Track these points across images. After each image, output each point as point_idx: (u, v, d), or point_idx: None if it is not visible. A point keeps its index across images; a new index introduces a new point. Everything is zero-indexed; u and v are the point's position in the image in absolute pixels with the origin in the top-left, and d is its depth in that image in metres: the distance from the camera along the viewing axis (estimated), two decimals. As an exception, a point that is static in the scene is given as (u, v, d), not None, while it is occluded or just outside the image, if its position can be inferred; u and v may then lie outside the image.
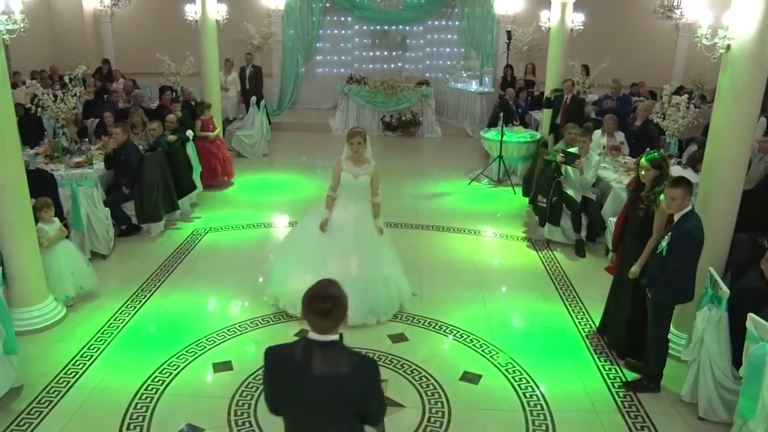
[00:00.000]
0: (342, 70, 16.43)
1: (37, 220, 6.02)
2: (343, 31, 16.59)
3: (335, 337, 2.74)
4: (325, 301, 2.67)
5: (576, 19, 11.54)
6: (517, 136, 10.92)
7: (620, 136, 9.46)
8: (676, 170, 7.48)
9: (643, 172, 5.34)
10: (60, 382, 5.10)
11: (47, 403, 4.84)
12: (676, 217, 4.77)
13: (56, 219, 6.36)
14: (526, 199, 9.31)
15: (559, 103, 10.84)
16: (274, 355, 2.85)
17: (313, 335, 2.73)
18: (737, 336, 4.53)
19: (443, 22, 16.53)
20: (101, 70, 14.82)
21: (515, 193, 10.24)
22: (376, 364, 2.90)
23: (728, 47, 5.02)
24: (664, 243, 4.77)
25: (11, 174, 5.55)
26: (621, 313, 5.58)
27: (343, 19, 16.44)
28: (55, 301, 6.06)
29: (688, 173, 7.33)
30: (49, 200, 6.28)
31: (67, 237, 6.48)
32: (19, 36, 5.28)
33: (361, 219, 6.09)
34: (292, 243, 6.58)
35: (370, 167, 6.05)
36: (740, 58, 4.99)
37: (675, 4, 14.58)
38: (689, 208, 4.75)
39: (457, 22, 16.32)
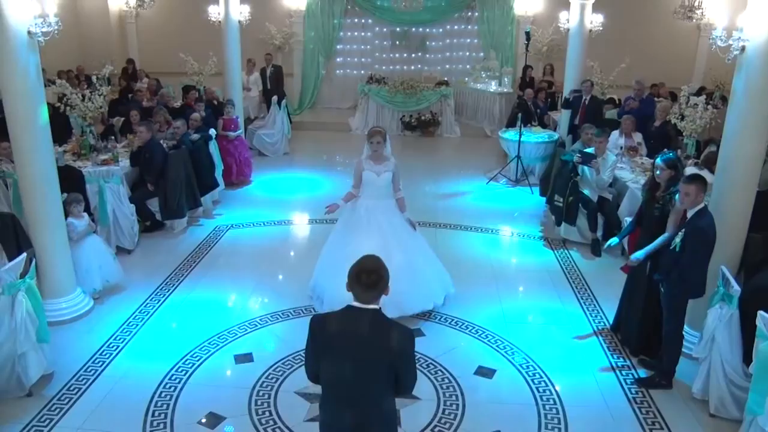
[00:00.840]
0: (362, 70, 16.57)
1: (67, 215, 6.23)
2: (363, 33, 16.71)
3: (376, 306, 3.01)
4: (371, 275, 2.97)
5: (595, 20, 11.58)
6: (535, 137, 10.98)
7: (638, 137, 9.48)
8: (691, 171, 7.50)
9: (657, 172, 5.41)
10: (88, 370, 5.31)
11: (76, 390, 5.04)
12: (689, 214, 4.86)
13: (85, 214, 6.57)
14: (544, 199, 9.37)
15: (578, 103, 10.88)
16: (318, 322, 3.13)
17: (357, 304, 3.00)
18: (749, 334, 4.59)
19: (463, 24, 16.59)
20: (126, 69, 15.09)
21: (533, 192, 10.31)
22: (413, 335, 3.10)
23: (743, 49, 5.07)
24: (677, 239, 4.86)
25: (43, 170, 5.77)
26: (634, 311, 5.65)
27: (363, 20, 16.56)
28: (82, 294, 6.27)
29: (705, 174, 7.35)
30: (79, 196, 6.50)
31: (94, 232, 6.68)
32: (47, 39, 5.49)
33: (391, 214, 6.24)
34: (335, 261, 5.87)
35: (390, 164, 6.18)
36: (755, 60, 5.04)
37: (696, 4, 14.51)
38: (702, 205, 4.84)
39: (476, 25, 16.37)
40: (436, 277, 6.39)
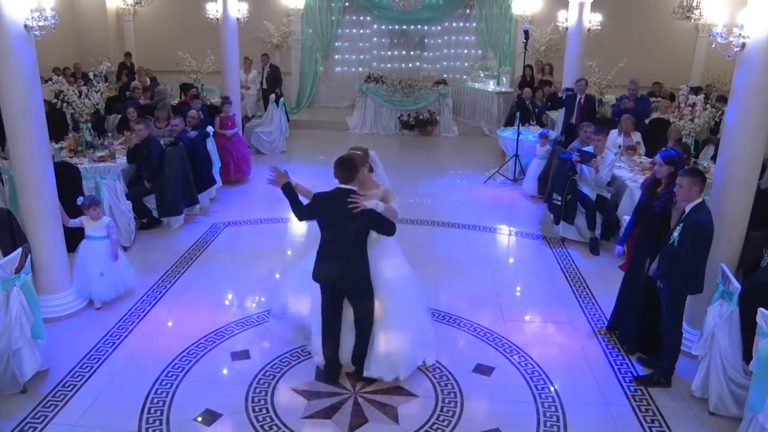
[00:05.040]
0: (360, 69, 16.56)
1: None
2: (361, 31, 16.71)
3: (353, 186, 4.71)
4: (345, 162, 4.70)
5: (593, 20, 11.57)
6: (533, 135, 10.97)
7: (636, 136, 9.48)
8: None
9: (656, 168, 5.41)
10: (83, 367, 5.26)
11: (71, 387, 5.00)
12: (687, 209, 4.85)
13: (107, 218, 6.44)
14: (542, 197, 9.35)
15: (572, 102, 10.86)
16: (319, 196, 4.87)
17: (342, 186, 4.68)
18: (748, 331, 4.58)
19: (461, 23, 16.59)
20: (125, 64, 14.97)
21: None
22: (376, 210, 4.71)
23: (743, 46, 5.05)
24: (675, 234, 4.84)
25: (40, 166, 5.72)
26: (632, 309, 5.62)
27: (361, 18, 16.56)
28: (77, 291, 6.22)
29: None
30: (97, 199, 6.41)
31: (108, 235, 6.35)
32: (44, 34, 5.44)
33: (378, 261, 5.02)
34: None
35: (378, 192, 5.01)
36: (755, 57, 5.01)
37: (694, 4, 14.51)
38: (699, 200, 4.82)
39: (475, 24, 16.37)
40: (409, 351, 5.20)
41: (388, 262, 5.08)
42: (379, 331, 5.07)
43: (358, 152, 5.05)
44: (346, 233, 4.74)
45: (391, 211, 4.85)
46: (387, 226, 4.78)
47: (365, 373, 5.10)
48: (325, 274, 4.87)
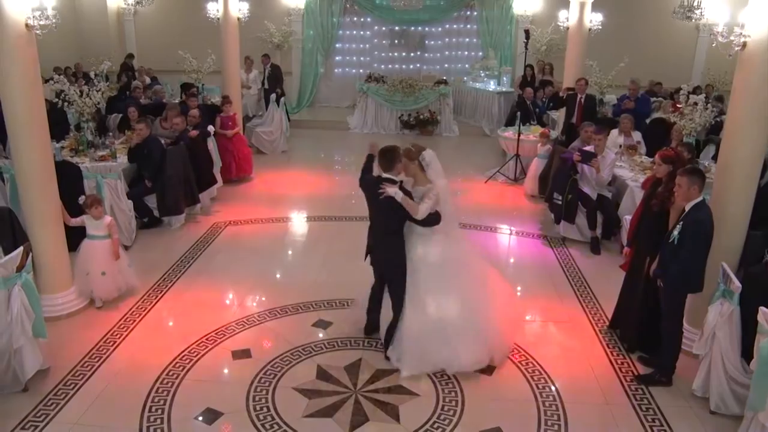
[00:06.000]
0: (361, 69, 16.58)
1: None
2: (362, 31, 16.73)
3: (392, 175, 5.07)
4: (386, 152, 5.09)
5: (594, 19, 11.58)
6: (534, 135, 10.96)
7: (637, 136, 9.48)
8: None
9: (655, 167, 5.42)
10: (84, 365, 5.27)
11: (73, 386, 5.00)
12: (687, 207, 4.85)
13: (108, 217, 6.41)
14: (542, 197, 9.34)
15: (572, 102, 10.87)
16: (366, 176, 5.31)
17: (383, 173, 5.06)
18: (744, 327, 4.60)
19: (462, 24, 16.60)
20: (126, 64, 14.97)
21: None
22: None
23: (744, 45, 5.05)
24: (675, 232, 4.85)
25: (41, 165, 5.72)
26: (633, 308, 5.62)
27: (362, 19, 16.58)
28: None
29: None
30: (98, 198, 6.42)
31: (108, 235, 6.34)
32: (45, 33, 5.44)
33: (447, 253, 5.34)
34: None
35: (423, 188, 5.24)
36: (756, 56, 5.01)
37: (695, 4, 14.50)
38: (700, 199, 4.82)
39: (475, 25, 16.38)
40: (449, 351, 5.22)
41: (426, 253, 5.28)
42: (403, 319, 5.27)
43: (412, 148, 5.32)
44: (380, 218, 5.17)
45: (409, 203, 5.03)
46: (409, 215, 5.03)
47: (387, 353, 5.40)
48: (370, 254, 5.37)
